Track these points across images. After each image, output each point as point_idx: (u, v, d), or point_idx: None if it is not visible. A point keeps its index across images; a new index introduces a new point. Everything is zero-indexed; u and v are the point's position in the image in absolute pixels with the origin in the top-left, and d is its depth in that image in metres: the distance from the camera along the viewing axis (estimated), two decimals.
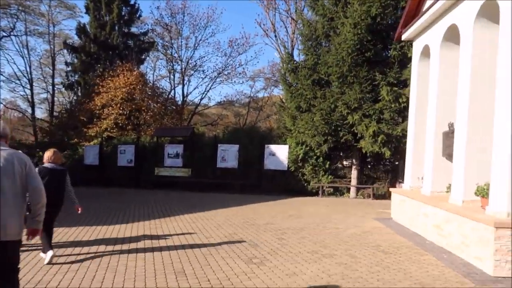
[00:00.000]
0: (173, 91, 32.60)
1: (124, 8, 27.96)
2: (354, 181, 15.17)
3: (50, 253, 5.38)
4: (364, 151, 13.91)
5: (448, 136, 7.59)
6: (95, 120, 20.81)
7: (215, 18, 39.53)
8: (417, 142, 9.14)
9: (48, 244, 5.49)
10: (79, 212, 6.19)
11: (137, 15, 29.14)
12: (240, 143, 16.74)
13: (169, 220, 9.18)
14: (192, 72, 33.71)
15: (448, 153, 7.56)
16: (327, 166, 15.54)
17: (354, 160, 15.27)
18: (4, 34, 28.84)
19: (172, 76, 33.56)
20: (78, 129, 21.51)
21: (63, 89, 31.67)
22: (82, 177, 19.39)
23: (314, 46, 15.45)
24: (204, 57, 39.37)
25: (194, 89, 52.38)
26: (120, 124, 20.70)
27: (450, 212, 6.32)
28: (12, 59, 44.91)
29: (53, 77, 32.37)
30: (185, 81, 33.44)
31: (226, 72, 33.58)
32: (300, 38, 16.40)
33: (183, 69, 33.17)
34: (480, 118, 6.40)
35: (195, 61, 33.70)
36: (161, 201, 12.90)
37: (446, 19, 7.66)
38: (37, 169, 5.33)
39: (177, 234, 7.43)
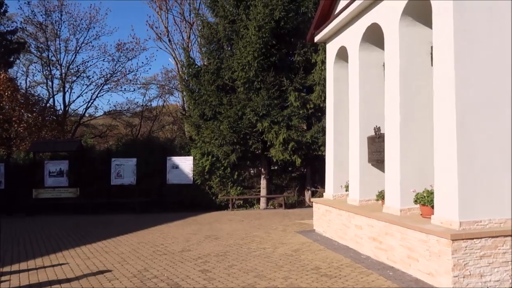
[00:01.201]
0: (52, 99, 28.65)
1: None
2: (263, 191, 14.57)
3: None
4: (274, 160, 13.38)
5: (375, 141, 7.28)
6: None
7: (99, 19, 36.09)
8: (337, 148, 8.78)
9: None
10: None
11: (2, 10, 24.87)
12: (137, 156, 14.90)
13: (56, 258, 7.24)
14: (74, 78, 30.15)
15: (375, 159, 7.24)
16: (235, 177, 14.68)
17: (262, 169, 14.68)
18: None
19: (50, 83, 29.51)
20: None
21: None
22: None
23: (216, 50, 14.53)
24: (88, 61, 35.66)
25: (78, 97, 46.98)
26: None
27: (389, 222, 5.87)
28: None
29: None
30: (66, 88, 29.69)
31: (114, 79, 30.83)
32: (200, 40, 15.36)
33: (63, 75, 29.40)
34: (413, 120, 6.13)
35: (77, 66, 30.20)
36: (41, 231, 10.53)
37: (365, 18, 7.39)
38: None
39: (68, 282, 5.70)
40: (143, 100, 48.11)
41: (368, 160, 7.47)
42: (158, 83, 32.33)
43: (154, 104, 35.49)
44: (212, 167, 14.38)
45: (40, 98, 23.46)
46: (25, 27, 27.69)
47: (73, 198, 14.76)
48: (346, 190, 8.34)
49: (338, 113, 8.98)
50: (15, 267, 6.65)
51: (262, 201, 14.47)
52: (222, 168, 14.42)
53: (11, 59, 25.61)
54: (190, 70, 14.45)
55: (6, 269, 6.50)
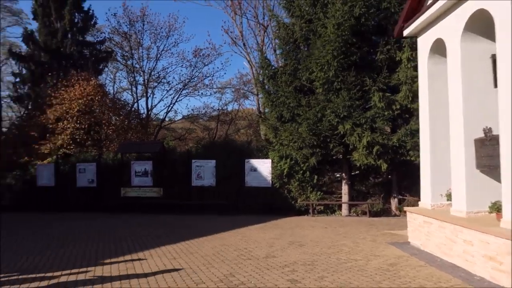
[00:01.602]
0: (136, 104, 30.49)
1: (76, 14, 25.79)
2: (345, 197, 13.86)
3: None
4: (358, 164, 12.64)
5: (484, 144, 6.38)
6: (48, 135, 18.41)
7: (177, 27, 37.67)
8: (434, 152, 7.91)
9: None
10: None
11: (92, 22, 27.00)
12: (216, 158, 15.06)
13: (144, 255, 7.37)
14: (155, 84, 31.78)
15: (486, 164, 6.34)
16: (314, 181, 14.15)
17: (344, 174, 13.98)
18: None
19: (134, 88, 31.44)
20: (29, 146, 18.96)
21: (12, 102, 28.75)
22: (35, 201, 17.00)
23: (293, 50, 14.16)
24: (167, 68, 37.48)
25: (159, 101, 49.71)
26: (78, 140, 18.42)
27: None
28: None
29: None
30: (148, 94, 31.42)
31: (192, 84, 31.95)
32: (275, 42, 15.12)
33: (146, 81, 31.13)
34: None
35: (158, 72, 31.81)
36: (130, 227, 10.97)
37: (468, 5, 6.51)
38: None
39: (154, 274, 5.67)
40: (219, 104, 49.60)
41: (477, 166, 6.56)
42: (233, 87, 32.71)
43: (229, 108, 36.06)
44: (290, 170, 14.02)
45: (126, 103, 24.92)
46: (112, 37, 29.76)
47: (157, 197, 15.35)
48: (448, 200, 7.46)
49: (434, 113, 8.09)
50: (106, 264, 6.86)
51: (344, 207, 13.77)
52: (301, 171, 13.98)
53: (100, 67, 27.72)
54: (267, 71, 14.25)
55: (107, 260, 6.74)
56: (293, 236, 9.42)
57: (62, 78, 20.78)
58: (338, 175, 15.67)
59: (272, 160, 14.43)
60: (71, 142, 18.19)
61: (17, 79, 26.47)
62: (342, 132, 12.24)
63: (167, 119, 33.78)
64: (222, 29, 26.32)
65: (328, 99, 12.59)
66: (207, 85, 31.52)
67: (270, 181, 14.35)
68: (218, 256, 7.23)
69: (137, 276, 5.98)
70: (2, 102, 30.27)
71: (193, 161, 15.30)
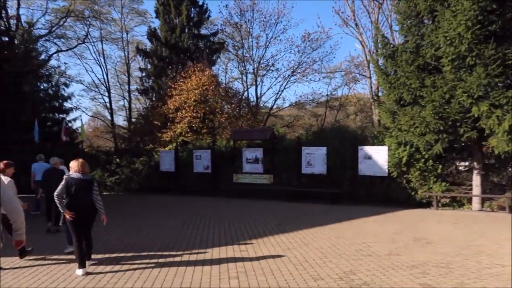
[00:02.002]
0: (246, 93, 31.35)
1: (192, 9, 27.26)
2: (477, 189, 12.09)
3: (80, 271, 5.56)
4: (496, 152, 10.84)
5: None
6: (169, 124, 19.86)
7: (286, 13, 37.40)
8: None
9: (80, 258, 5.66)
10: (104, 223, 6.00)
11: (206, 16, 28.33)
12: (327, 145, 14.46)
13: (257, 243, 7.26)
14: (264, 72, 32.18)
15: None
16: (439, 170, 12.65)
17: (475, 163, 12.20)
18: (79, 41, 29.56)
19: (244, 77, 32.32)
20: (153, 134, 20.76)
21: (139, 95, 31.94)
22: (159, 185, 18.55)
23: (415, 25, 12.65)
24: (276, 55, 37.68)
25: (268, 89, 50.61)
26: (195, 128, 19.49)
27: None
28: (91, 67, 47.09)
29: (128, 83, 32.76)
30: (258, 82, 32.03)
31: (300, 70, 31.55)
32: (396, 17, 13.67)
33: (255, 69, 31.75)
34: None
35: (267, 60, 32.13)
36: (244, 213, 11.11)
37: None
38: (64, 179, 5.78)
39: (268, 264, 5.43)
40: (327, 89, 48.49)
41: None
42: (344, 70, 31.32)
43: (339, 93, 34.85)
44: (410, 158, 12.74)
45: (237, 92, 25.62)
46: (224, 29, 30.91)
47: (267, 184, 15.42)
48: None
49: None
50: (220, 249, 6.90)
51: (475, 201, 12.03)
52: (423, 160, 12.61)
53: (214, 58, 29.02)
54: (385, 50, 13.02)
55: (225, 246, 6.81)
56: (416, 231, 8.43)
57: (180, 70, 22.20)
58: (467, 164, 13.85)
59: (388, 147, 13.29)
60: (188, 130, 19.34)
61: (143, 74, 29.26)
62: (476, 115, 10.57)
63: (275, 106, 34.09)
64: (332, 10, 25.35)
65: (458, 77, 10.98)
66: (315, 70, 30.77)
67: (387, 170, 13.25)
68: (335, 250, 6.74)
69: (251, 261, 5.84)
70: (131, 95, 33.92)
71: (303, 148, 14.94)
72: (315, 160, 14.64)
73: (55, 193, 5.75)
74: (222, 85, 23.42)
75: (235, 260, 6.16)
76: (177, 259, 6.27)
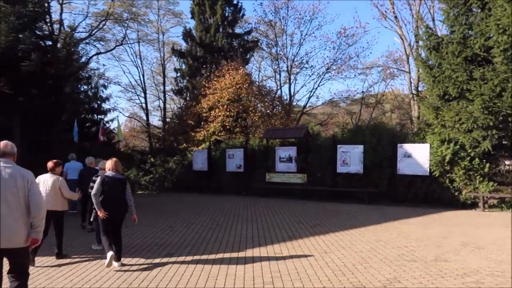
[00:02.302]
0: (279, 91, 31.02)
1: (227, 8, 27.18)
2: None
3: (109, 254, 5.58)
4: None
5: None
6: (202, 123, 19.87)
7: (321, 9, 36.70)
8: None
9: (108, 244, 5.72)
10: (135, 222, 6.13)
11: (241, 15, 28.18)
12: (364, 143, 13.89)
13: (293, 246, 6.92)
14: (298, 70, 31.73)
15: None
16: (485, 169, 11.82)
17: None
18: (117, 43, 30.26)
19: (278, 76, 32.00)
20: (187, 133, 20.85)
21: (173, 95, 32.33)
22: (192, 184, 18.60)
23: (463, 14, 11.87)
24: (310, 52, 37.14)
25: (302, 87, 49.91)
26: (228, 127, 19.39)
27: None
28: (128, 69, 48.21)
29: (164, 84, 33.22)
30: (291, 80, 31.61)
31: (335, 67, 30.85)
32: (440, 7, 12.90)
33: (289, 67, 31.36)
34: None
35: (301, 58, 31.68)
36: (277, 213, 10.79)
37: None
38: (98, 177, 5.97)
39: (304, 269, 5.09)
40: (363, 86, 47.28)
41: None
42: (381, 66, 30.29)
43: (375, 90, 33.81)
44: (454, 156, 11.98)
45: (270, 90, 25.31)
46: (258, 27, 30.74)
47: (301, 183, 15.04)
48: None
49: None
50: (254, 251, 6.63)
51: None
52: (468, 158, 11.82)
53: (247, 56, 28.85)
54: (429, 42, 12.29)
55: (256, 248, 6.54)
56: (464, 235, 7.81)
57: (214, 69, 22.18)
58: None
59: (430, 145, 12.57)
60: (221, 129, 19.26)
61: (178, 74, 29.54)
62: None
63: (308, 104, 33.55)
64: (371, 3, 24.44)
65: (511, 69, 10.18)
66: (351, 66, 29.96)
67: (428, 169, 12.54)
68: (375, 254, 6.30)
69: (286, 264, 5.53)
70: (166, 95, 34.40)
71: (338, 146, 14.44)
72: (351, 158, 14.11)
73: (93, 192, 5.85)
74: (256, 84, 23.13)
75: (269, 263, 5.87)
76: (210, 260, 6.06)
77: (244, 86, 19.94)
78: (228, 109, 19.24)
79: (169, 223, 9.47)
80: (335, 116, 37.98)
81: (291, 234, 8.01)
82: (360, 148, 13.90)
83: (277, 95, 26.44)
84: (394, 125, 18.69)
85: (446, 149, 12.11)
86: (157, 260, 6.10)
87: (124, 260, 6.06)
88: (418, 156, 12.76)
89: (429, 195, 12.65)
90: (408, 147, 13.00)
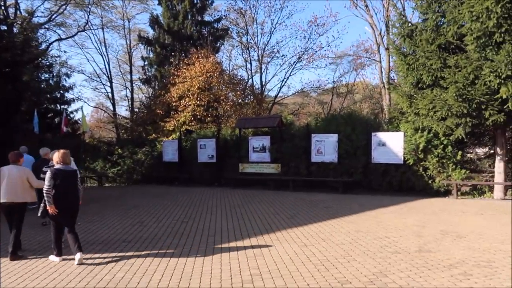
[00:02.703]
0: (250, 80, 30.55)
1: None
2: (499, 177, 11.37)
3: (78, 255, 5.45)
4: None
5: None
6: (172, 113, 19.16)
7: None
8: None
9: (58, 247, 5.67)
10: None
11: (210, 2, 27.41)
12: (338, 132, 13.73)
13: (271, 239, 6.58)
14: (269, 59, 31.37)
15: None
16: (458, 157, 11.92)
17: (498, 149, 11.44)
18: (79, 29, 28.81)
19: (248, 65, 31.49)
20: (156, 124, 20.08)
21: (141, 84, 31.21)
22: (162, 176, 17.97)
23: (436, 1, 11.79)
24: (281, 41, 36.81)
25: (273, 76, 49.63)
26: (199, 116, 18.79)
27: None
28: (92, 57, 46.36)
29: (131, 73, 32.07)
30: (262, 69, 31.23)
31: (306, 56, 30.71)
32: None
33: (260, 56, 30.95)
34: None
35: (272, 47, 31.34)
36: (252, 205, 10.43)
37: None
38: (48, 171, 5.65)
39: (285, 265, 4.76)
40: (334, 76, 47.53)
41: None
42: (352, 55, 30.38)
43: (346, 80, 33.99)
44: (428, 145, 12.00)
45: (241, 79, 24.80)
46: (228, 15, 30.04)
47: (275, 174, 14.75)
48: None
49: None
50: (230, 245, 6.23)
51: (497, 189, 11.31)
52: (441, 146, 11.87)
53: (217, 45, 28.15)
54: (402, 29, 12.16)
55: (224, 245, 6.14)
56: (441, 223, 7.73)
57: (183, 58, 21.41)
58: (486, 150, 13.14)
59: (404, 133, 12.55)
60: (192, 119, 18.64)
61: (145, 63, 28.47)
62: (505, 96, 9.77)
63: (280, 94, 33.31)
64: None
65: (484, 56, 10.18)
66: (322, 56, 29.85)
67: (402, 157, 12.52)
68: (357, 246, 6.06)
69: (265, 260, 5.18)
70: (134, 85, 33.19)
71: (312, 135, 14.21)
72: (325, 147, 13.92)
73: (45, 187, 5.50)
74: (227, 73, 22.55)
75: (247, 258, 5.50)
76: (183, 257, 5.62)
77: (215, 74, 19.37)
78: (198, 98, 18.64)
79: (139, 217, 8.92)
80: (306, 106, 38.01)
81: (268, 227, 7.67)
82: (334, 137, 13.73)
83: (248, 85, 25.98)
84: (366, 115, 18.68)
85: (420, 137, 12.11)
86: (125, 258, 5.59)
87: (89, 258, 5.53)
88: (392, 144, 12.72)
89: (403, 183, 12.67)
90: (382, 136, 12.94)
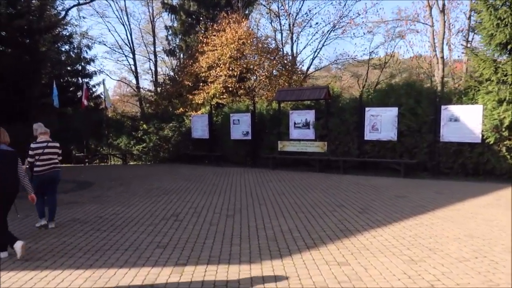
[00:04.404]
0: (281, 52, 28.31)
1: None
2: None
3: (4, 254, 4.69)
4: None
5: None
6: (201, 85, 17.36)
7: None
8: None
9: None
10: (34, 203, 5.15)
11: None
12: (399, 105, 11.67)
13: (355, 248, 4.79)
14: (300, 29, 28.99)
15: None
16: None
17: None
18: None
19: (278, 35, 29.19)
20: (183, 96, 18.36)
21: (165, 56, 29.49)
22: (191, 154, 16.40)
23: None
24: (314, 8, 34.12)
25: (305, 47, 46.65)
26: (230, 88, 16.93)
27: None
28: (113, 27, 44.72)
29: (154, 43, 30.33)
30: (293, 39, 28.90)
31: (341, 25, 28.19)
32: None
33: (291, 25, 28.57)
34: None
35: (304, 14, 28.88)
36: (298, 191, 8.64)
37: None
38: None
39: None
40: (370, 46, 44.66)
41: None
42: (400, 19, 27.47)
43: (383, 51, 31.27)
44: None
45: (276, 48, 22.58)
46: None
47: (320, 153, 12.90)
48: None
49: None
50: (303, 257, 4.47)
51: None
52: None
53: (247, 12, 25.94)
54: None
55: (262, 261, 4.39)
56: None
57: (212, 23, 19.39)
58: None
59: (484, 107, 10.38)
60: (223, 91, 16.81)
61: (169, 32, 26.63)
62: None
63: (312, 66, 31.05)
64: None
65: None
66: (362, 22, 27.21)
67: (480, 135, 10.41)
68: (491, 265, 4.19)
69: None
70: (157, 57, 31.50)
71: (366, 109, 12.19)
72: (382, 123, 11.90)
73: None
74: (260, 38, 20.41)
75: (338, 282, 3.73)
76: (242, 276, 3.91)
77: (248, 41, 17.33)
78: (230, 68, 16.72)
79: (172, 208, 7.29)
80: (339, 80, 35.60)
81: (342, 226, 5.87)
82: (394, 111, 11.67)
83: (283, 53, 23.73)
84: (434, 85, 16.21)
85: (505, 111, 9.94)
86: (161, 278, 3.91)
87: (100, 276, 3.88)
88: (467, 120, 10.58)
89: (479, 166, 10.59)
90: (455, 109, 10.79)
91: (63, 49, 25.99)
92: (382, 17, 43.14)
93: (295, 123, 13.62)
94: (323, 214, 6.64)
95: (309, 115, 13.33)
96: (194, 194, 8.80)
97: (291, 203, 7.58)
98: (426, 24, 21.68)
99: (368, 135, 12.17)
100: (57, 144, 6.11)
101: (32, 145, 5.88)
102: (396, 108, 11.62)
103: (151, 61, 31.84)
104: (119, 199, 8.31)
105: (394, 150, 11.82)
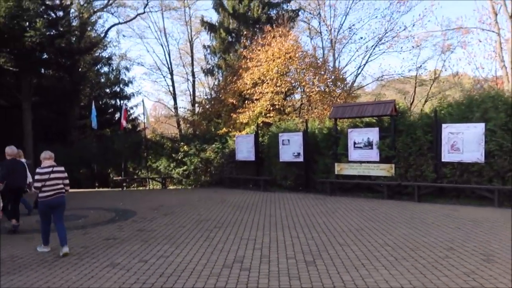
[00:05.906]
0: (329, 67, 26.94)
1: None
2: None
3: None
4: None
5: None
6: (246, 103, 16.13)
7: None
8: None
9: None
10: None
11: None
12: (486, 120, 9.86)
13: None
14: (342, 45, 27.60)
15: None
16: None
17: None
18: (139, 12, 26.94)
19: (320, 51, 27.88)
20: (227, 115, 17.16)
21: (203, 76, 28.79)
22: (235, 177, 15.06)
23: None
24: (358, 22, 32.67)
25: (348, 63, 44.95)
26: (277, 106, 15.58)
27: None
28: (152, 47, 44.90)
29: (192, 63, 29.75)
30: (335, 55, 27.48)
31: (386, 40, 26.59)
32: None
33: (333, 41, 27.25)
34: None
35: (346, 30, 27.48)
36: (382, 225, 6.99)
37: None
38: None
39: None
40: (416, 61, 42.59)
41: None
42: (461, 28, 25.49)
43: (431, 66, 29.22)
44: None
45: (325, 62, 21.14)
46: None
47: (386, 177, 11.18)
48: None
49: None
50: None
51: None
52: None
53: (287, 29, 24.87)
54: None
55: None
56: None
57: (256, 38, 18.32)
58: None
59: None
60: (270, 108, 15.48)
61: (207, 51, 25.97)
62: None
63: (356, 83, 29.44)
64: None
65: None
66: (410, 35, 25.49)
67: None
68: None
69: None
70: (195, 77, 30.90)
71: (443, 125, 10.44)
72: (464, 142, 10.09)
73: None
74: (308, 51, 19.08)
75: None
76: None
77: (296, 55, 16.04)
78: (277, 84, 15.41)
79: (232, 250, 5.83)
80: (384, 97, 33.72)
81: (476, 284, 4.19)
82: (479, 127, 9.85)
83: (333, 67, 22.23)
84: None
85: None
86: None
87: None
88: None
89: None
90: None
91: (102, 71, 25.82)
92: (428, 30, 40.98)
93: (355, 143, 12.00)
94: (435, 262, 4.98)
95: (372, 134, 11.69)
96: (252, 228, 7.34)
97: (381, 244, 5.94)
98: (492, 31, 19.61)
99: (447, 156, 10.36)
100: (62, 169, 5.99)
101: (39, 170, 5.80)
102: (483, 124, 9.81)
103: (188, 80, 31.26)
104: (165, 234, 6.98)
105: (480, 174, 9.94)
